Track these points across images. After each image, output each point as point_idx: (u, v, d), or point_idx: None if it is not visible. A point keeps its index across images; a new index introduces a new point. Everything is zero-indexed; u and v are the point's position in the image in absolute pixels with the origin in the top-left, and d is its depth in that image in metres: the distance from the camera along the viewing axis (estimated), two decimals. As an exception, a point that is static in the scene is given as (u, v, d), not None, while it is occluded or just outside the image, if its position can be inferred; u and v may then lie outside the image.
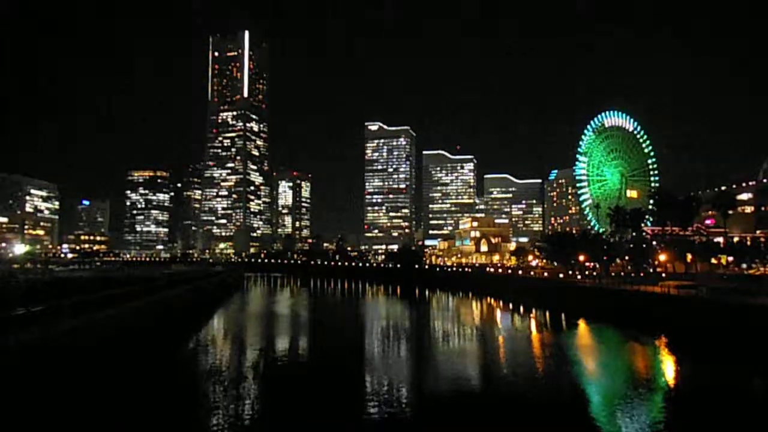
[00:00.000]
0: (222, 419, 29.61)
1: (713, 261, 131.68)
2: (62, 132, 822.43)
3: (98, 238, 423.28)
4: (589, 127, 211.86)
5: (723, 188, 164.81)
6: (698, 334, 57.15)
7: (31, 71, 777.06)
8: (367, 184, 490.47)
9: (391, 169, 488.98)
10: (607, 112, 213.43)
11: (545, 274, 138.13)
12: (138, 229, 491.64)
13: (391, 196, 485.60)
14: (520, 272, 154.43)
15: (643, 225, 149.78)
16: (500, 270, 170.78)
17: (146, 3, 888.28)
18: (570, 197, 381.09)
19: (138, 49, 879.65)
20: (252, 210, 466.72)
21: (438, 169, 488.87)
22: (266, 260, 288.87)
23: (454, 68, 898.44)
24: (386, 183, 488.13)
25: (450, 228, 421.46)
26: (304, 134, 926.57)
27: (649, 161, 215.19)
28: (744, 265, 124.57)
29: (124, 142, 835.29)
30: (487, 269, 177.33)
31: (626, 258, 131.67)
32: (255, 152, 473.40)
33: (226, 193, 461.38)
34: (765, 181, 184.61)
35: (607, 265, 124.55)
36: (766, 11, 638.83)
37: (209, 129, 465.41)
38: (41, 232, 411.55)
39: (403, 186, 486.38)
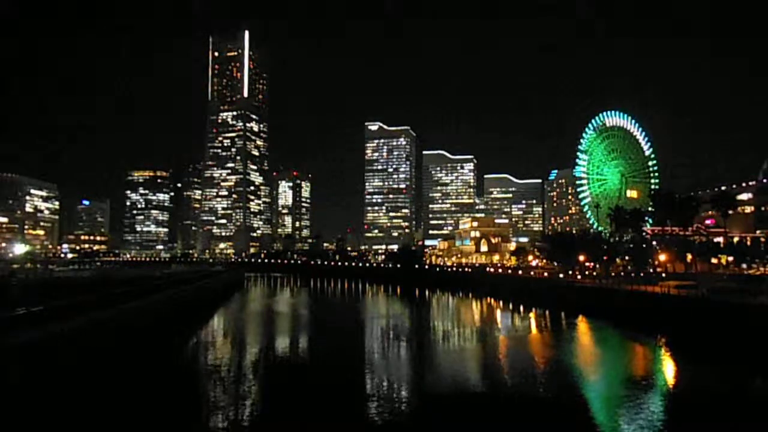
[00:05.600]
0: (222, 419, 29.62)
1: (713, 261, 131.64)
2: (62, 132, 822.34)
3: (98, 238, 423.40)
4: (590, 125, 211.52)
5: (723, 188, 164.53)
6: (698, 334, 57.17)
7: (32, 71, 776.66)
8: (367, 184, 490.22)
9: (391, 169, 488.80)
10: (608, 112, 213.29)
11: (545, 274, 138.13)
12: (138, 229, 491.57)
13: (391, 196, 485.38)
14: (520, 272, 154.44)
15: (643, 225, 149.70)
16: (500, 270, 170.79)
17: (146, 3, 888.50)
18: (570, 197, 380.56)
19: (138, 48, 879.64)
20: (252, 210, 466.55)
21: (438, 169, 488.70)
22: (266, 260, 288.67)
23: (455, 68, 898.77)
24: (386, 183, 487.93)
25: (450, 228, 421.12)
26: (304, 134, 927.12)
27: (650, 162, 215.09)
28: (744, 265, 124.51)
29: (124, 142, 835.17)
30: (487, 269, 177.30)
31: (626, 258, 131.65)
32: (255, 152, 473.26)
33: (226, 193, 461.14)
34: (765, 181, 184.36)
35: (607, 265, 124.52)
36: (766, 10, 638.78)
37: (209, 129, 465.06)
38: (41, 232, 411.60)
39: (403, 186, 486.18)
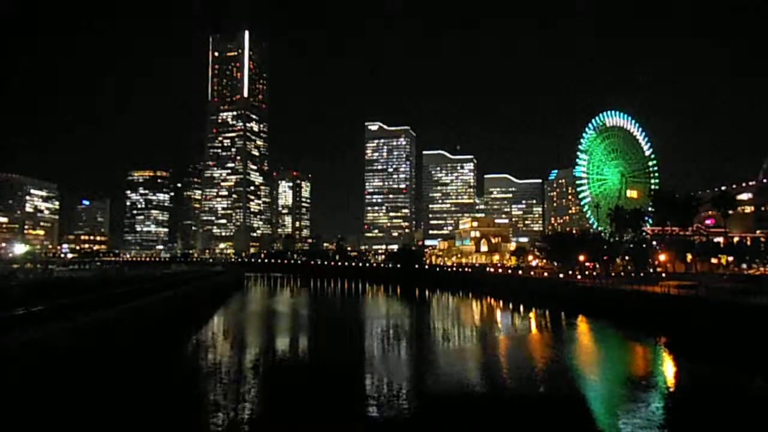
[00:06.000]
0: (221, 419, 29.59)
1: (713, 261, 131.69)
2: (62, 132, 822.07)
3: (98, 238, 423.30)
4: (590, 125, 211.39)
5: (723, 188, 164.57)
6: (698, 334, 57.14)
7: (31, 71, 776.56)
8: (367, 184, 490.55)
9: (391, 169, 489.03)
10: (608, 112, 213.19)
11: (545, 274, 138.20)
12: (138, 229, 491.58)
13: (391, 196, 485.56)
14: (520, 272, 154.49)
15: (643, 225, 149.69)
16: (500, 270, 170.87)
17: (146, 3, 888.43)
18: (570, 197, 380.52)
19: (138, 49, 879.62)
20: (252, 210, 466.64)
21: (438, 169, 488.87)
22: (266, 260, 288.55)
23: (455, 68, 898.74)
24: (386, 183, 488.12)
25: (450, 228, 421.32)
26: (304, 134, 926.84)
27: (650, 162, 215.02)
28: (744, 265, 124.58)
29: (124, 142, 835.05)
30: (487, 269, 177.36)
31: (626, 258, 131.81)
32: (255, 152, 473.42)
33: (226, 193, 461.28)
34: (765, 181, 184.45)
35: (607, 265, 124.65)
36: (766, 10, 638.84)
37: (209, 129, 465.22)
38: (41, 232, 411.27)
39: (403, 186, 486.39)
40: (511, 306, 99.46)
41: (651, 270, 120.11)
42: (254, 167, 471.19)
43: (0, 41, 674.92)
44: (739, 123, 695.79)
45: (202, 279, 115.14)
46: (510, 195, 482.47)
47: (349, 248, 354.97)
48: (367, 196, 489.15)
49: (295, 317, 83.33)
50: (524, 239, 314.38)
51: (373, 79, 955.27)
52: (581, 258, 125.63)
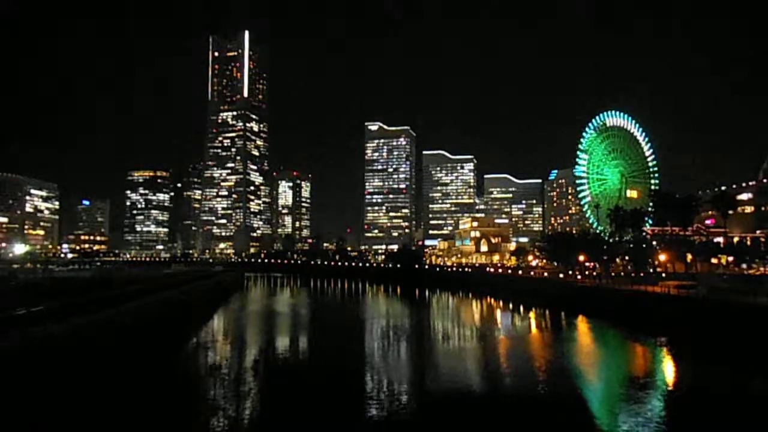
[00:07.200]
0: (221, 420, 29.60)
1: (713, 261, 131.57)
2: (62, 132, 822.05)
3: (98, 238, 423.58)
4: (590, 125, 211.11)
5: (723, 188, 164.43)
6: (698, 333, 57.18)
7: (32, 71, 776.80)
8: (367, 184, 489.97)
9: (391, 169, 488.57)
10: (608, 112, 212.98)
11: (545, 274, 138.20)
12: (138, 229, 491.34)
13: (391, 196, 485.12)
14: (520, 272, 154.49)
15: (643, 225, 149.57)
16: (500, 270, 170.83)
17: (146, 3, 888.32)
18: (570, 197, 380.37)
19: (138, 49, 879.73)
20: (252, 210, 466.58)
21: (438, 169, 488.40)
22: (266, 260, 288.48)
23: (455, 68, 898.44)
24: (386, 183, 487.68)
25: (450, 228, 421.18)
26: (304, 134, 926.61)
27: (650, 162, 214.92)
28: (744, 265, 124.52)
29: (124, 142, 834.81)
30: (487, 269, 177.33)
31: (626, 258, 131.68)
32: (255, 152, 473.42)
33: (226, 193, 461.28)
34: (765, 181, 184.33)
35: (607, 265, 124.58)
36: (765, 11, 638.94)
37: (209, 129, 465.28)
38: (41, 232, 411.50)
39: (403, 186, 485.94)
40: (511, 306, 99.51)
41: (651, 270, 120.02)
42: (254, 167, 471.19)
43: (0, 41, 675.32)
44: (739, 123, 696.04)
45: (203, 279, 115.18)
46: (510, 195, 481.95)
47: (349, 248, 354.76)
48: (367, 196, 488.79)
49: (296, 317, 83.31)
50: (524, 239, 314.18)
51: (373, 79, 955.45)
52: (581, 258, 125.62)
